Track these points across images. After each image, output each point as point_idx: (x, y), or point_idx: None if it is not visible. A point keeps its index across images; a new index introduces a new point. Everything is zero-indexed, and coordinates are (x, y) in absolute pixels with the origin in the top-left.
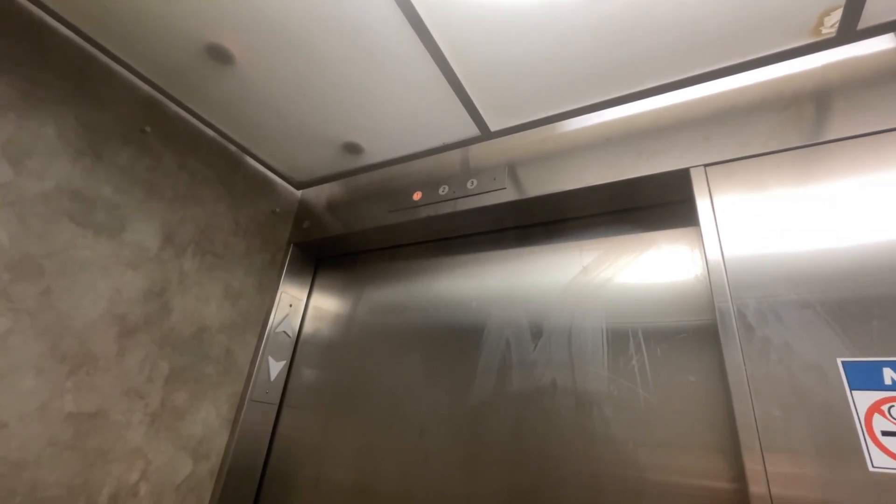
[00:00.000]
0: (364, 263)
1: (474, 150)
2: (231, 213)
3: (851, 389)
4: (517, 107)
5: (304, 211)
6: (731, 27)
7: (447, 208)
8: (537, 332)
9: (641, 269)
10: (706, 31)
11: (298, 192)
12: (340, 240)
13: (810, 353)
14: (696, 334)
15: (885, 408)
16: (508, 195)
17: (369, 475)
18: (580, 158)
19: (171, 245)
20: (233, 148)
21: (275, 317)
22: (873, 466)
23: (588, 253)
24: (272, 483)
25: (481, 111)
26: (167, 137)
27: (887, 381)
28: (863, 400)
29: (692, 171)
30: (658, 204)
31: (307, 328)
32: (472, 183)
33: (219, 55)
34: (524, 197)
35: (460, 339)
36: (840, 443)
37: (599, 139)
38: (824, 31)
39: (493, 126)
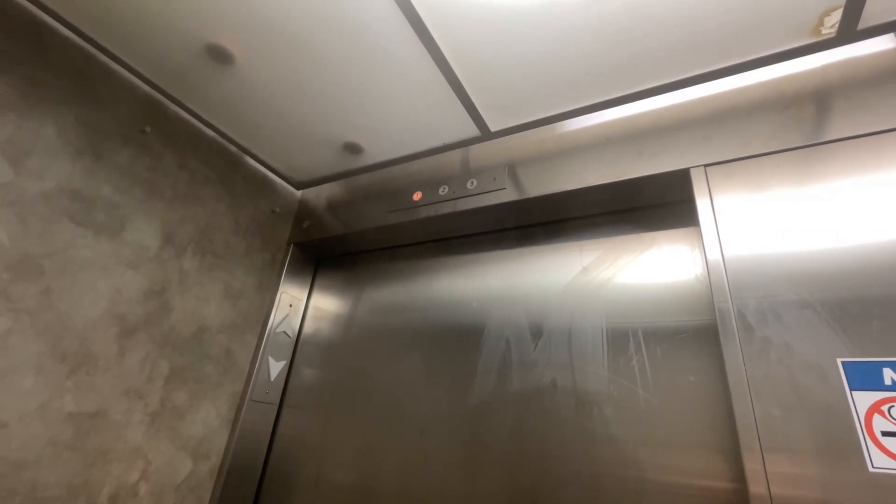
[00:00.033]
0: (364, 263)
1: (474, 150)
2: (231, 213)
3: (851, 390)
4: (517, 107)
5: (304, 211)
6: (731, 27)
7: (447, 208)
8: (537, 332)
9: (641, 269)
10: (706, 31)
11: (298, 192)
12: (340, 240)
13: (810, 353)
14: (696, 334)
15: (885, 408)
16: (508, 195)
17: (369, 475)
18: (580, 158)
19: (171, 245)
20: (233, 148)
21: (275, 317)
22: (873, 467)
23: (588, 253)
24: (272, 483)
25: (481, 111)
26: (167, 137)
27: (887, 382)
28: (863, 400)
29: (692, 171)
30: (658, 204)
31: (307, 328)
32: (472, 183)
33: (219, 55)
34: (524, 197)
35: (460, 339)
36: (840, 443)
37: (600, 139)
38: (824, 31)
39: (493, 126)
